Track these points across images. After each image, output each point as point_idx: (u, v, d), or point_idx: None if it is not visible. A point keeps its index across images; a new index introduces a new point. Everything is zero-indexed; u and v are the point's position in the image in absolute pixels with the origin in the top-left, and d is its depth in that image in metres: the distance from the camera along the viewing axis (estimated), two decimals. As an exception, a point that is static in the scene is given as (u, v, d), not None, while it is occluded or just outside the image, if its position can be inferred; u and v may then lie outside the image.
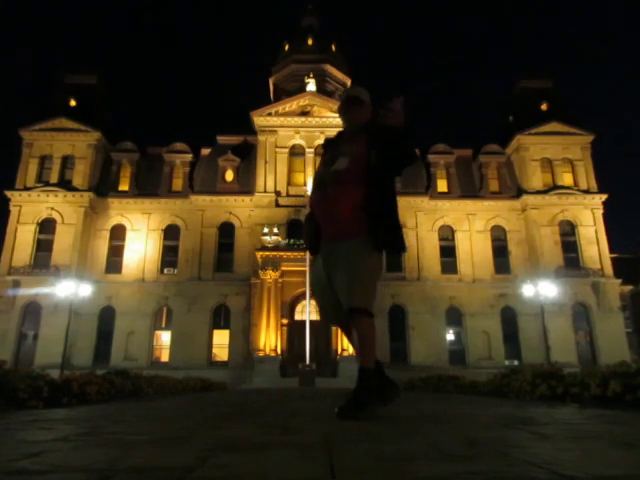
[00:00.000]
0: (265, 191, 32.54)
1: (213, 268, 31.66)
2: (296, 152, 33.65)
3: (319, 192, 3.19)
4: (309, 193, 3.56)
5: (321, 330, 27.88)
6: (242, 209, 32.52)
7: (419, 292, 31.03)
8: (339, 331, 28.15)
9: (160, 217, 33.13)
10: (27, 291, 29.49)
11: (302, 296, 27.01)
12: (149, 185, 33.98)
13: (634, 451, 1.75)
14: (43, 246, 31.39)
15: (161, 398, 7.79)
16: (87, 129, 33.66)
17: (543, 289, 24.78)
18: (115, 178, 34.07)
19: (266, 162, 33.20)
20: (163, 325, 31.71)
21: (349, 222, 3.02)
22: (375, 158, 3.04)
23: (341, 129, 3.50)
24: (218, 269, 31.65)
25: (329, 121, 33.65)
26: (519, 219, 33.36)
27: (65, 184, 32.57)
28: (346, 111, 3.33)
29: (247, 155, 34.37)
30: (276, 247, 28.51)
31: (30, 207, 31.71)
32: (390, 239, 3.08)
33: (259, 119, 34.00)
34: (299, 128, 33.52)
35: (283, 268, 28.00)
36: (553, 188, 32.99)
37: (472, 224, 33.05)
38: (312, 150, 33.10)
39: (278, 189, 32.59)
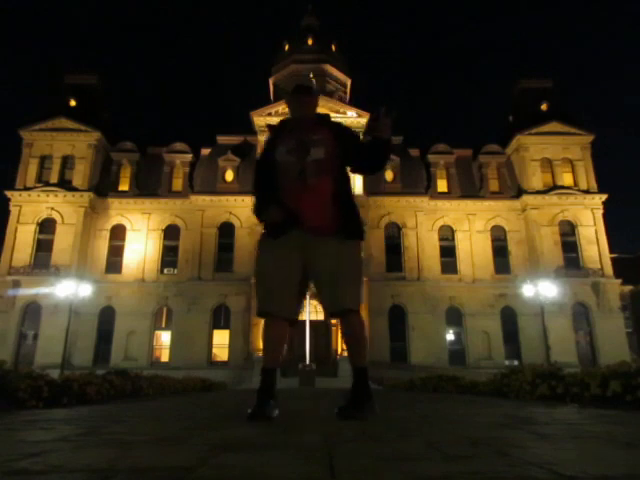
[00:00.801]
0: (265, 191, 32.52)
1: (213, 268, 31.67)
2: (296, 152, 33.61)
3: (298, 182, 3.00)
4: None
5: (321, 330, 27.90)
6: (242, 209, 32.51)
7: (419, 292, 31.04)
8: (339, 331, 28.19)
9: (160, 217, 33.15)
10: (27, 291, 29.50)
11: (302, 296, 26.99)
12: (149, 185, 34.00)
13: (634, 451, 1.75)
14: (43, 246, 31.40)
15: (161, 398, 7.79)
16: (87, 129, 33.67)
17: (543, 289, 24.77)
18: (115, 178, 34.09)
19: (266, 162, 33.19)
20: (163, 325, 31.73)
21: (334, 215, 2.99)
22: (343, 152, 3.11)
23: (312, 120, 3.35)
24: (218, 269, 31.66)
25: (329, 121, 33.60)
26: (519, 219, 33.37)
27: (65, 184, 32.59)
28: (299, 100, 3.28)
29: (247, 155, 34.36)
30: (276, 247, 28.49)
31: (30, 207, 31.73)
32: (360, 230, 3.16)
33: (259, 119, 33.99)
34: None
35: (283, 268, 27.98)
36: (553, 188, 33.00)
37: (472, 224, 33.07)
38: (312, 150, 33.11)
39: (278, 189, 32.58)
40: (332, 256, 2.96)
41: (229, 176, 33.76)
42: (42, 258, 30.99)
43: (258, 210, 3.12)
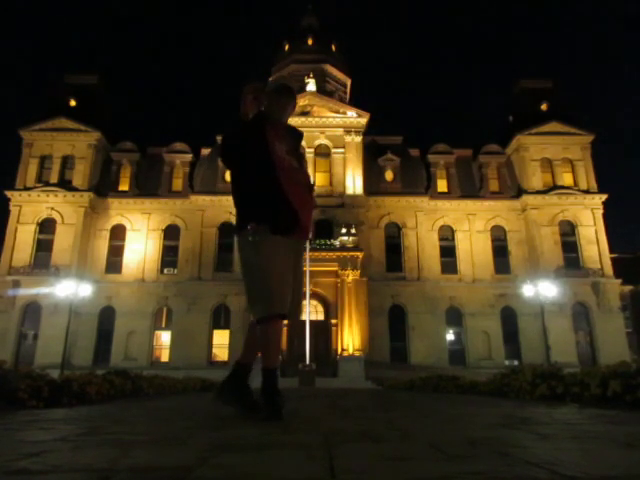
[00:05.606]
0: (265, 191, 32.54)
1: (213, 268, 31.65)
2: (296, 152, 33.58)
3: (306, 190, 3.14)
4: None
5: (321, 330, 27.89)
6: (242, 209, 32.50)
7: (419, 292, 31.03)
8: (339, 331, 28.18)
9: (160, 217, 33.14)
10: (27, 291, 29.49)
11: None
12: (149, 185, 34.00)
13: (634, 451, 1.75)
14: (43, 246, 31.40)
15: (161, 398, 7.78)
16: (87, 129, 33.67)
17: (543, 289, 24.76)
18: (115, 178, 34.08)
19: (266, 162, 33.22)
20: (163, 325, 31.72)
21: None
22: None
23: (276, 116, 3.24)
24: (218, 269, 31.64)
25: (329, 121, 33.64)
26: (519, 219, 33.36)
27: (65, 184, 32.59)
28: (281, 102, 3.21)
29: (247, 155, 34.33)
30: (276, 247, 28.48)
31: (30, 207, 31.72)
32: None
33: (259, 119, 33.97)
34: (299, 128, 33.45)
35: (283, 268, 27.95)
36: (553, 188, 32.99)
37: (472, 224, 33.05)
38: (312, 150, 33.09)
39: (278, 189, 32.59)
40: (302, 266, 3.27)
41: (229, 176, 33.55)
42: (42, 258, 30.98)
43: (262, 202, 2.97)
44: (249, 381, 3.26)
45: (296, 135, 3.38)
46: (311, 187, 3.19)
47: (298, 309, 3.22)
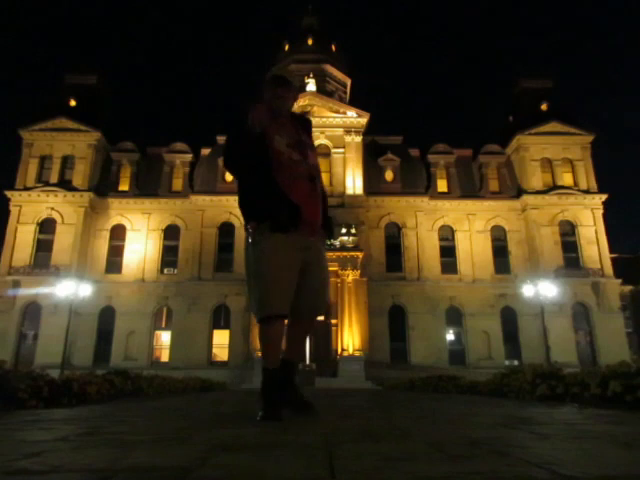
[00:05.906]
0: (265, 191, 32.54)
1: (213, 268, 31.66)
2: (296, 152, 33.59)
3: (308, 183, 3.01)
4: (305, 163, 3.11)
5: (321, 330, 27.88)
6: (242, 209, 32.49)
7: (419, 292, 31.03)
8: (339, 331, 28.18)
9: (160, 217, 33.14)
10: (27, 291, 29.48)
11: (302, 296, 27.01)
12: (149, 185, 34.00)
13: (634, 451, 1.75)
14: (43, 246, 31.39)
15: (161, 398, 7.78)
16: (87, 129, 33.66)
17: (543, 289, 24.76)
18: (115, 178, 34.08)
19: (266, 162, 33.21)
20: (163, 325, 31.72)
21: (321, 221, 3.13)
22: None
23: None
24: (218, 269, 31.65)
25: (329, 121, 33.64)
26: (519, 219, 33.36)
27: (65, 184, 32.58)
28: (286, 92, 3.15)
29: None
30: (276, 247, 28.48)
31: (30, 207, 31.72)
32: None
33: (259, 119, 33.95)
34: (301, 126, 33.48)
35: (283, 268, 27.96)
36: (553, 188, 32.98)
37: (472, 224, 33.05)
38: (312, 150, 33.11)
39: (278, 189, 32.59)
40: (321, 260, 3.12)
41: (229, 176, 33.65)
42: (42, 258, 30.97)
43: (260, 201, 2.94)
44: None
45: (303, 123, 3.30)
46: (314, 178, 3.06)
47: (324, 304, 3.21)
